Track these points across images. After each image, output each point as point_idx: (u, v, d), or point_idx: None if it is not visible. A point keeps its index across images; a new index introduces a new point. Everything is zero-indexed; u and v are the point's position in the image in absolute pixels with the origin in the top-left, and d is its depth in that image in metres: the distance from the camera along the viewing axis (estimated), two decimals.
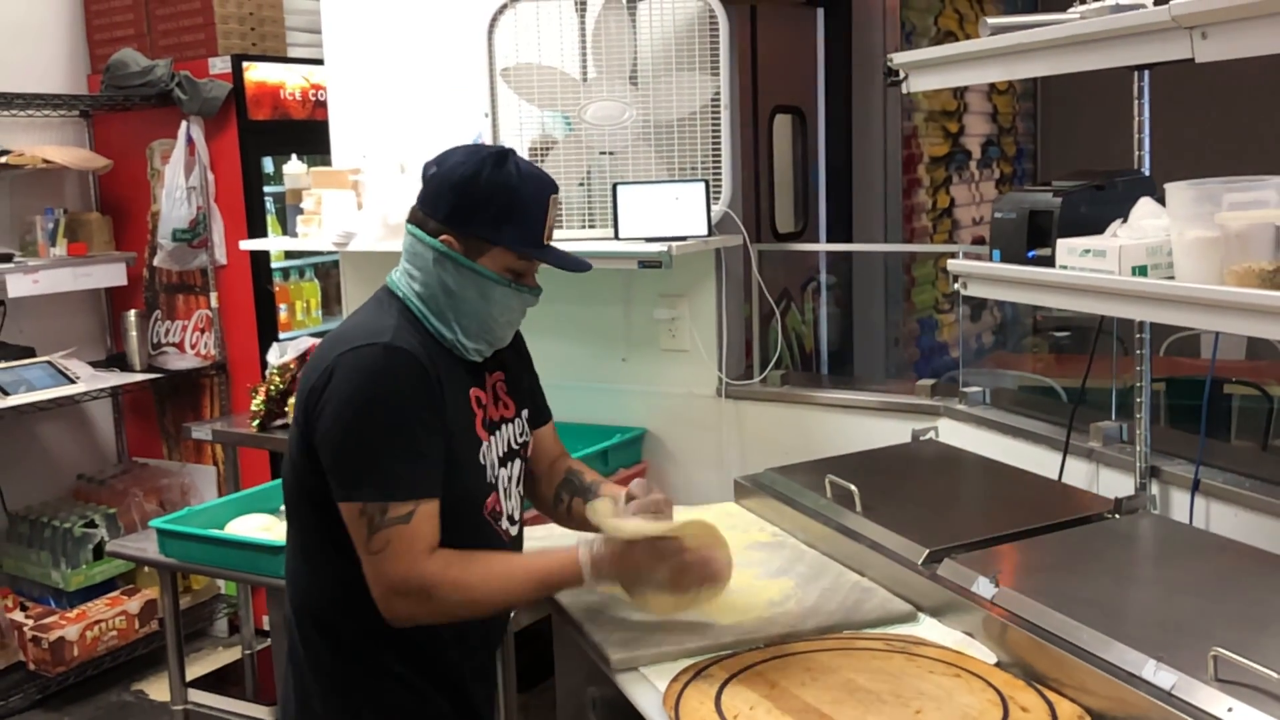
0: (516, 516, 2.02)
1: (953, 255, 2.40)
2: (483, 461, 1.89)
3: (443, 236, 1.85)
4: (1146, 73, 2.12)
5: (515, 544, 2.03)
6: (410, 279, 1.89)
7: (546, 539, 2.45)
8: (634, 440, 3.19)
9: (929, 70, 1.96)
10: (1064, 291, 1.81)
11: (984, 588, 1.89)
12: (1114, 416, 2.45)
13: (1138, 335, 2.22)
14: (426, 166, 1.90)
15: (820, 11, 4.26)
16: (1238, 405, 4.11)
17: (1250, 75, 4.10)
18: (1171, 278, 1.67)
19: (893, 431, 2.89)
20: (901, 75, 1.98)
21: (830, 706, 1.68)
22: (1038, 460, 2.55)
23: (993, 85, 5.58)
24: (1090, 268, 1.75)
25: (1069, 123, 5.89)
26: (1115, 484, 2.35)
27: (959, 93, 5.25)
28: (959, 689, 1.71)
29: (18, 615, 4.42)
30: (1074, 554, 2.01)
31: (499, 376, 2.01)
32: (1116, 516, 2.15)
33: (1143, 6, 1.66)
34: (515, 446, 2.02)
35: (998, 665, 1.80)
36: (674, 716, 1.68)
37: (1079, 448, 2.45)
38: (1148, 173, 2.13)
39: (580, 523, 2.09)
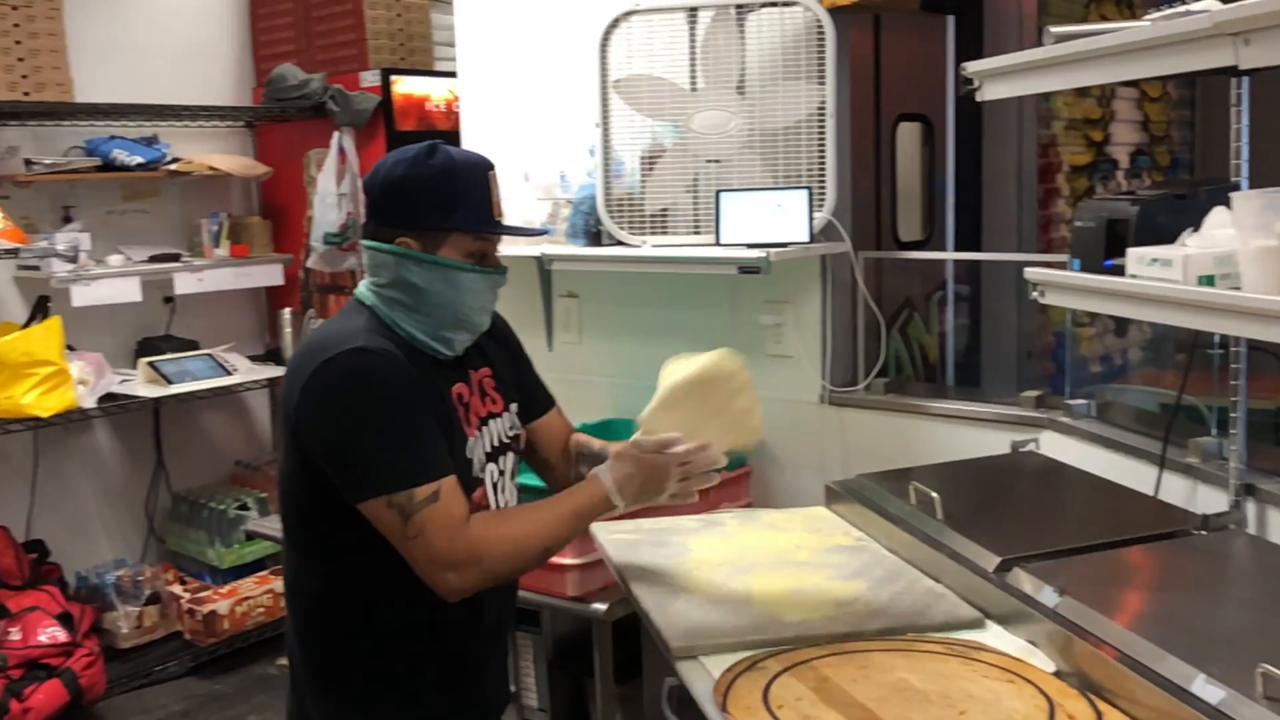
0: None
1: (1061, 265, 2.37)
2: (469, 455, 1.92)
3: (398, 239, 1.86)
4: (1245, 79, 2.08)
5: None
6: (376, 290, 1.91)
7: (635, 532, 2.55)
8: None
9: (1000, 79, 1.97)
10: (1133, 301, 1.80)
11: (1048, 597, 1.89)
12: (1214, 432, 2.39)
13: (1233, 349, 2.17)
14: (365, 182, 1.94)
15: (950, 19, 4.22)
16: None
17: None
18: (1239, 288, 1.64)
19: (996, 442, 2.87)
20: (976, 84, 1.99)
21: (875, 703, 1.71)
22: (1139, 475, 2.50)
23: (1143, 92, 5.41)
24: (1157, 277, 1.73)
25: (1228, 132, 5.65)
26: (1212, 501, 2.30)
27: (1104, 100, 5.11)
28: (1009, 694, 1.72)
29: (177, 589, 4.73)
30: (1148, 568, 1.99)
31: (485, 373, 2.03)
32: (1202, 533, 2.11)
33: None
34: (506, 440, 2.05)
35: (1056, 674, 1.79)
36: (721, 703, 1.74)
37: (1178, 463, 2.39)
38: (1247, 183, 2.09)
39: None
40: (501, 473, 2.03)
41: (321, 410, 1.79)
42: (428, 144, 1.91)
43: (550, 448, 2.22)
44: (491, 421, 2.02)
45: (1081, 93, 4.95)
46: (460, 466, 1.88)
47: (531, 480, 2.33)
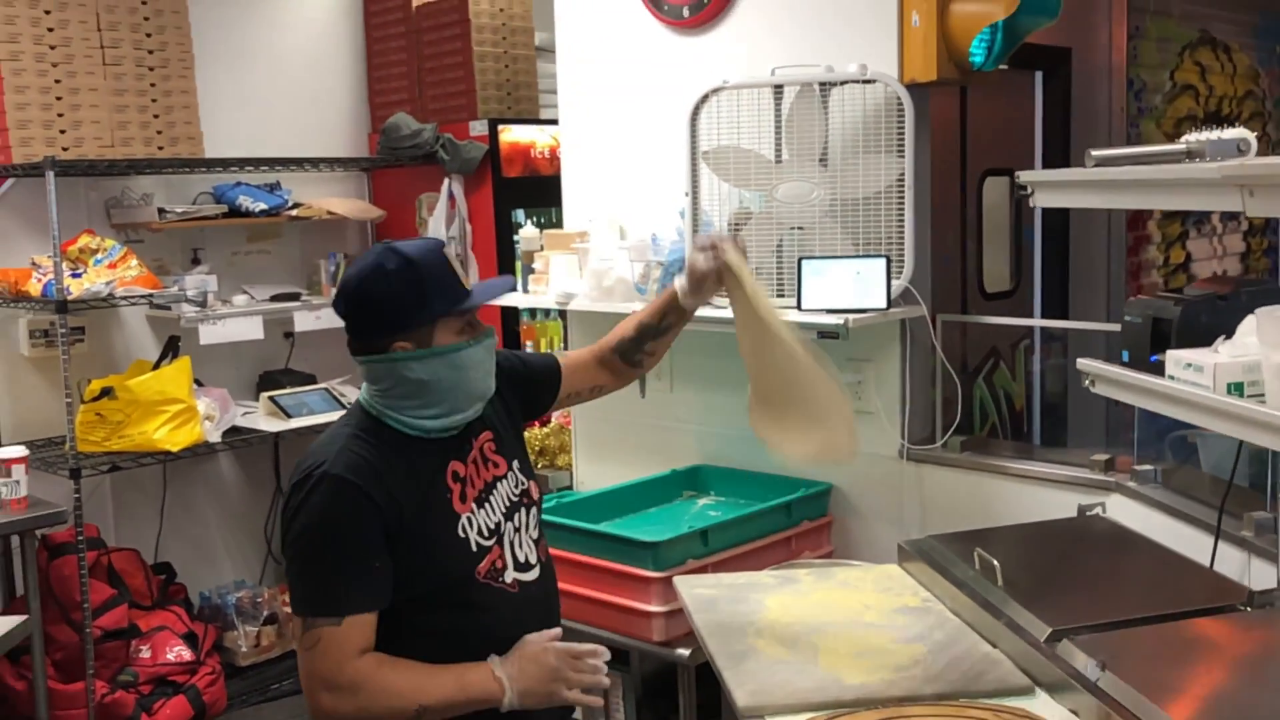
0: (532, 560, 2.18)
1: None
2: (463, 535, 2.06)
3: (393, 345, 1.99)
4: None
5: (534, 589, 2.17)
6: (377, 395, 2.05)
7: (716, 587, 2.73)
8: (820, 494, 3.39)
9: (1049, 189, 2.10)
10: (1171, 402, 1.92)
11: (1091, 671, 2.01)
12: (1268, 507, 2.48)
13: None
14: (336, 306, 2.07)
15: (1038, 75, 4.32)
16: None
17: None
18: (1263, 397, 1.76)
19: (1067, 503, 2.96)
20: (1029, 190, 2.13)
21: None
22: (1200, 544, 2.59)
23: None
24: (1191, 380, 1.85)
25: None
26: (1264, 575, 2.39)
27: None
28: None
29: None
30: (1190, 644, 2.09)
31: (486, 437, 2.17)
32: (1248, 610, 2.21)
33: (1244, 140, 1.77)
34: (514, 499, 2.18)
35: None
36: None
37: (1234, 536, 2.49)
38: None
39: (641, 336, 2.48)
40: (517, 529, 2.17)
41: (282, 528, 2.03)
42: (378, 251, 2.02)
43: (590, 378, 2.48)
44: (498, 484, 2.16)
45: (1175, 139, 4.98)
46: (453, 546, 2.04)
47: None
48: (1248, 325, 1.85)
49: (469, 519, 2.08)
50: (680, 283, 2.40)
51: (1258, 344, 1.82)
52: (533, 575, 2.19)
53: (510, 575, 2.13)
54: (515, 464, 2.22)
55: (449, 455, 2.09)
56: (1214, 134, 1.78)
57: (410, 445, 2.04)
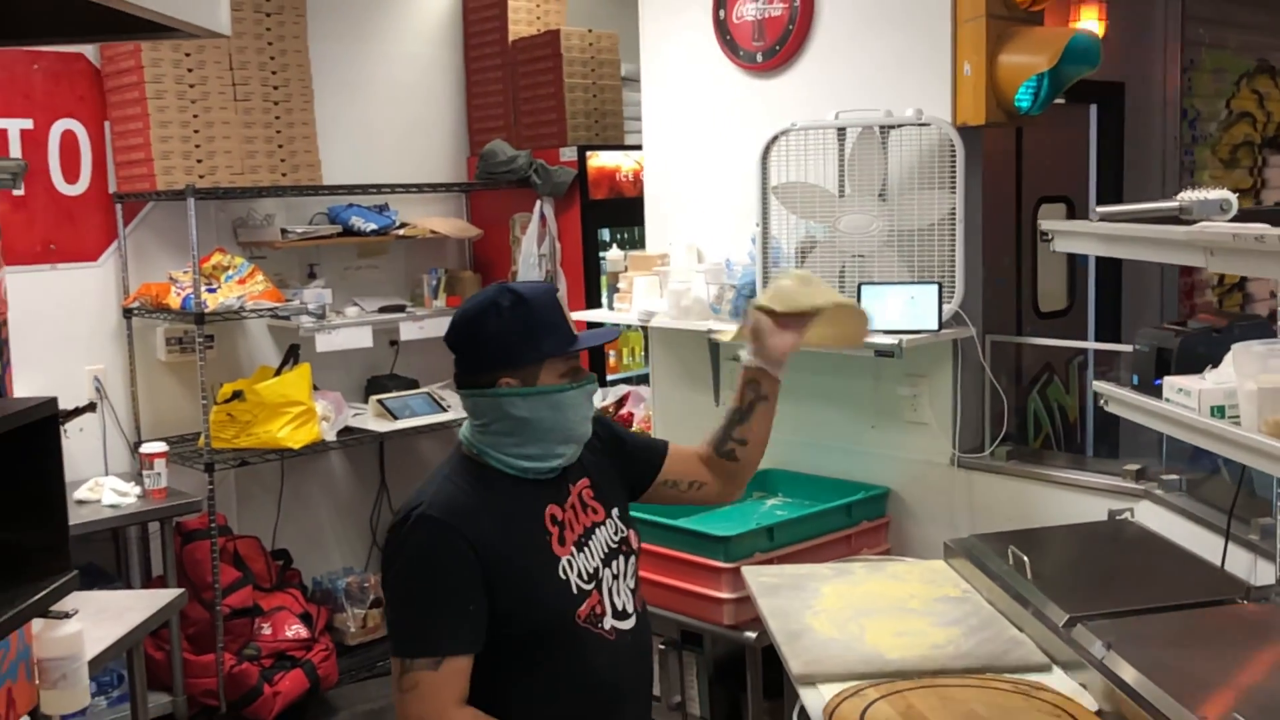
0: (629, 609, 2.18)
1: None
2: (564, 576, 2.06)
3: (500, 380, 2.03)
4: None
5: (630, 639, 2.17)
6: (479, 432, 2.08)
7: (779, 576, 3.08)
8: (879, 497, 3.73)
9: (1065, 236, 2.42)
10: (1167, 421, 2.24)
11: (1098, 650, 2.34)
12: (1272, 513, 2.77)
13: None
14: (448, 339, 2.10)
15: (1093, 107, 4.59)
16: None
17: None
18: (1239, 419, 2.07)
19: (1100, 509, 3.27)
20: (1050, 236, 2.45)
21: None
22: (1214, 545, 2.88)
23: None
24: (1182, 404, 2.17)
25: None
26: (1268, 573, 2.69)
27: (1254, 170, 5.35)
28: None
29: None
30: (1188, 630, 2.40)
31: (584, 484, 2.17)
32: (1245, 602, 2.51)
33: (1226, 200, 2.09)
34: (613, 545, 2.18)
35: (1099, 714, 2.25)
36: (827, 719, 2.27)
37: (1241, 538, 2.79)
38: None
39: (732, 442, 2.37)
40: (615, 576, 2.17)
41: (382, 570, 2.09)
42: (495, 289, 2.08)
43: (692, 472, 2.40)
44: (597, 530, 2.17)
45: (1231, 164, 5.23)
46: (554, 588, 2.06)
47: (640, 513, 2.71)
48: (1230, 357, 2.16)
49: (569, 561, 2.09)
50: (744, 354, 2.38)
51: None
52: (629, 624, 2.18)
53: (609, 622, 2.13)
54: (615, 511, 2.23)
55: (546, 499, 2.11)
56: (1201, 194, 2.09)
57: (508, 487, 2.08)
